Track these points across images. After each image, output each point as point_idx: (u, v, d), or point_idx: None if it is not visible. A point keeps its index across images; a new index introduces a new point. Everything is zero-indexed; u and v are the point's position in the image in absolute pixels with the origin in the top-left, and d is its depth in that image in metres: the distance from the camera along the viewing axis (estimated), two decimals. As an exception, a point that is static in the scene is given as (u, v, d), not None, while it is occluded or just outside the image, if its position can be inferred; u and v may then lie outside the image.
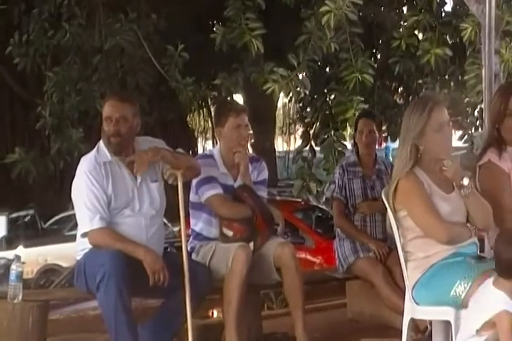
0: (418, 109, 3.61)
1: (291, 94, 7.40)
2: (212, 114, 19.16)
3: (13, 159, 7.63)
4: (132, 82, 8.02)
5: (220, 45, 7.07)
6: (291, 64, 6.96)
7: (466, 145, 8.78)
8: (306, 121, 9.24)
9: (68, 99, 7.82)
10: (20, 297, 4.21)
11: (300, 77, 7.04)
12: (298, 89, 7.12)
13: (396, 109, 8.95)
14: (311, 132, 8.94)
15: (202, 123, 24.12)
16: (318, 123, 8.49)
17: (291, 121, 27.73)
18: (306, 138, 8.99)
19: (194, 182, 4.70)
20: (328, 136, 8.01)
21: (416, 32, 7.68)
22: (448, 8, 8.18)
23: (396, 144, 8.05)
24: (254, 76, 7.15)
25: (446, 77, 8.53)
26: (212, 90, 8.42)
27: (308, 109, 9.15)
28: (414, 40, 7.45)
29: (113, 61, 7.90)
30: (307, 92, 7.96)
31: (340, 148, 7.81)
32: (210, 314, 6.16)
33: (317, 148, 8.55)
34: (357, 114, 7.10)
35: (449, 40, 7.67)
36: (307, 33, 6.92)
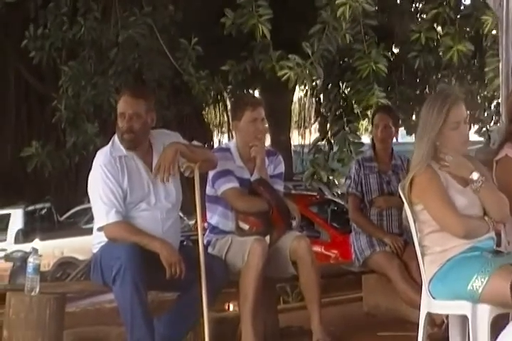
0: (436, 106, 3.59)
1: (306, 87, 7.38)
2: (228, 107, 19.20)
3: (29, 153, 7.66)
4: (151, 75, 8.03)
5: (230, 30, 7.04)
6: (305, 54, 6.93)
7: (482, 139, 8.74)
8: (322, 114, 9.22)
9: (84, 93, 7.84)
10: (37, 289, 4.23)
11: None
12: (313, 78, 7.09)
13: (413, 103, 8.91)
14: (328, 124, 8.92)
15: (218, 116, 24.11)
16: (332, 115, 8.46)
17: (306, 115, 27.71)
18: (323, 130, 8.97)
19: (210, 175, 4.70)
20: (342, 128, 7.99)
21: (434, 26, 7.62)
22: (467, 1, 8.13)
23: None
24: (262, 63, 7.13)
25: (465, 70, 8.48)
26: (224, 81, 8.41)
27: (324, 103, 9.13)
28: (433, 34, 7.39)
29: (129, 54, 7.91)
30: (320, 83, 7.94)
31: (355, 140, 7.79)
32: (226, 307, 6.17)
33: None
34: (379, 103, 7.06)
35: (469, 32, 7.61)
36: (322, 22, 6.89)
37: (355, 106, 7.97)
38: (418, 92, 9.60)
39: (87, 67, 8.00)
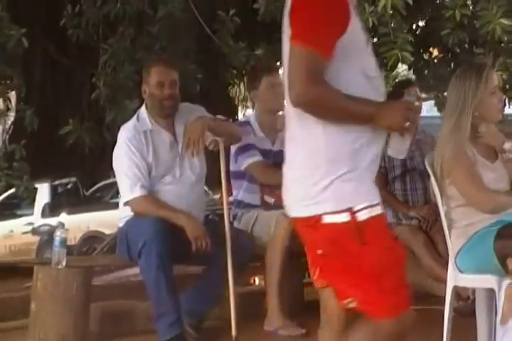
0: (474, 73, 3.56)
1: None
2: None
3: (67, 130, 7.68)
4: (189, 49, 7.99)
5: (263, 17, 6.97)
6: None
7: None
8: None
9: (122, 70, 7.83)
10: (64, 263, 4.26)
11: None
12: None
13: (445, 80, 8.73)
14: None
15: (242, 91, 24.02)
16: None
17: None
18: None
19: (233, 151, 4.68)
20: None
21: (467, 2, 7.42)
22: None
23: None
24: None
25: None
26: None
27: None
28: (467, 11, 7.21)
29: (167, 29, 7.86)
30: None
31: None
32: (252, 281, 6.18)
33: None
34: None
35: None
36: None
37: None
38: (450, 69, 9.41)
39: (126, 44, 7.98)
